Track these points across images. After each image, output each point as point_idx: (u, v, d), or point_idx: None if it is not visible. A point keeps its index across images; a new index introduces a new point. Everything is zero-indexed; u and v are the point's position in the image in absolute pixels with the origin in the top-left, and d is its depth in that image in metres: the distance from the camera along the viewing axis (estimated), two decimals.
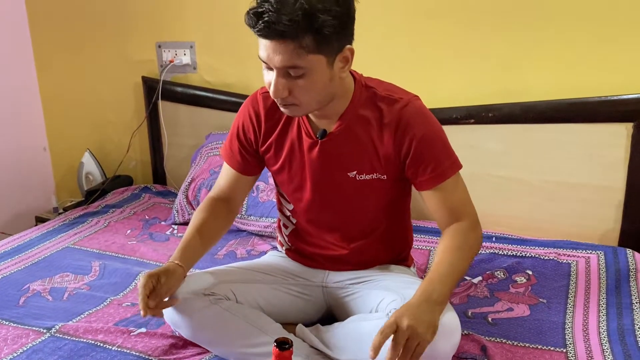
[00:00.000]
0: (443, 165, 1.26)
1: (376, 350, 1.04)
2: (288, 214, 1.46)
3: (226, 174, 1.44)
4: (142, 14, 2.41)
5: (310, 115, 1.30)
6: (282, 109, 1.23)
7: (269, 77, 1.17)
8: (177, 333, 1.37)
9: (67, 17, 2.54)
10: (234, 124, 1.41)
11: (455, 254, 1.23)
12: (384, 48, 1.93)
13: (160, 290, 1.20)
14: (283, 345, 1.02)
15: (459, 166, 1.29)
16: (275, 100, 1.20)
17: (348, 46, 1.16)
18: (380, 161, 1.28)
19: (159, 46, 2.41)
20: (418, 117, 1.26)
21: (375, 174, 1.29)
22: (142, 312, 1.17)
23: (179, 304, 1.27)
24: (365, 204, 1.34)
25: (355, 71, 1.31)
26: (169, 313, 1.29)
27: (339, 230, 1.39)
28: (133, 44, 2.47)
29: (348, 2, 1.13)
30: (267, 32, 1.08)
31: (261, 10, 1.08)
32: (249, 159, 1.40)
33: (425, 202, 1.32)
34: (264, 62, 1.15)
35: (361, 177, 1.30)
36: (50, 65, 2.64)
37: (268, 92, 1.23)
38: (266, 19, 1.06)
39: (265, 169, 1.44)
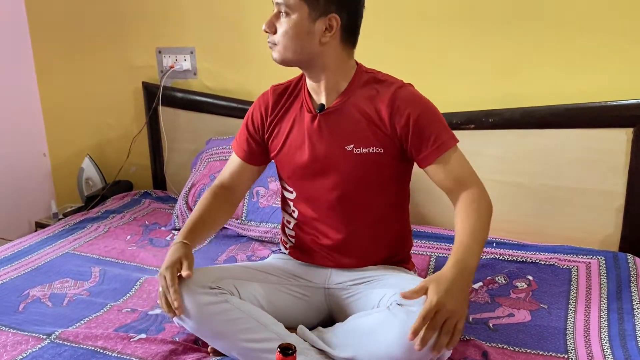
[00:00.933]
0: (442, 137, 1.33)
1: (416, 333, 1.09)
2: (290, 208, 1.48)
3: (231, 162, 1.53)
4: (142, 19, 2.42)
5: (312, 92, 1.40)
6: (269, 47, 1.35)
7: None
8: (177, 338, 1.37)
9: (68, 23, 2.55)
10: (246, 115, 1.51)
11: (475, 222, 1.28)
12: (384, 53, 1.94)
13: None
14: (286, 351, 1.01)
15: (456, 140, 1.36)
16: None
17: (334, 15, 1.28)
18: (376, 135, 1.34)
19: (159, 52, 2.42)
20: (413, 97, 1.34)
21: (371, 148, 1.35)
22: (177, 310, 1.24)
23: (184, 297, 1.27)
24: (362, 179, 1.38)
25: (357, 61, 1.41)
26: None
27: (337, 210, 1.41)
28: (133, 49, 2.47)
29: None
30: None
31: None
32: (255, 147, 1.48)
33: (432, 177, 1.37)
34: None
35: (358, 150, 1.35)
36: (50, 70, 2.65)
37: (278, 85, 1.47)
38: None
39: (268, 169, 1.50)
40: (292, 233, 1.50)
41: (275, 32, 1.30)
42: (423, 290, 1.14)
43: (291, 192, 1.47)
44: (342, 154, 1.36)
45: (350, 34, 1.33)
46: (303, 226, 1.47)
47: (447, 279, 1.15)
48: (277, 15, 1.30)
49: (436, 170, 1.34)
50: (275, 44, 1.32)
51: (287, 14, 1.27)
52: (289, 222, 1.51)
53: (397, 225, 1.47)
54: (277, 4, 1.28)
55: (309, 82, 1.39)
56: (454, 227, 1.30)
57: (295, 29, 1.28)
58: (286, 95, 1.44)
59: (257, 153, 1.49)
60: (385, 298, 1.28)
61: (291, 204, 1.48)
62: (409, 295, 1.15)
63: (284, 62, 1.34)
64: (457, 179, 1.34)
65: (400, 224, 1.48)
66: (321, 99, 1.38)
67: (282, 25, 1.28)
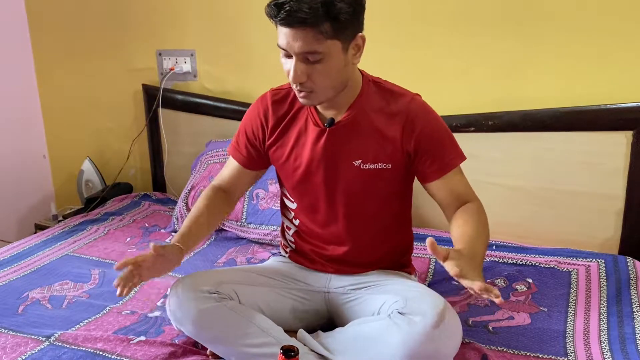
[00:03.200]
0: (449, 156, 1.32)
1: (489, 290, 1.05)
2: (291, 215, 1.47)
3: (230, 165, 1.50)
4: (142, 22, 2.42)
5: (318, 106, 1.35)
6: (299, 97, 1.27)
7: (288, 65, 1.22)
8: (176, 340, 1.37)
9: (68, 25, 2.55)
10: (243, 119, 1.47)
11: (477, 225, 1.27)
12: (384, 56, 1.94)
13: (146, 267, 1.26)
14: (289, 352, 1.01)
15: (463, 157, 1.35)
16: (294, 87, 1.26)
17: (360, 34, 1.24)
18: (385, 150, 1.32)
19: (160, 54, 2.42)
20: (424, 112, 1.33)
21: (380, 164, 1.33)
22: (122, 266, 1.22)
23: (183, 301, 1.28)
24: (368, 194, 1.37)
25: (360, 69, 1.37)
26: (172, 310, 1.30)
27: (341, 224, 1.40)
28: (133, 51, 2.48)
29: None
30: (289, 20, 1.14)
31: (282, 1, 1.14)
32: (254, 154, 1.45)
33: (433, 193, 1.36)
34: (283, 49, 1.20)
35: (365, 166, 1.33)
36: (50, 72, 2.65)
37: (277, 90, 1.37)
38: (287, 8, 1.13)
39: (268, 172, 1.47)
40: (292, 239, 1.50)
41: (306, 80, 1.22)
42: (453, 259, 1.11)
43: (292, 202, 1.45)
44: (350, 169, 1.34)
45: None
46: (304, 235, 1.46)
47: (473, 259, 1.13)
48: (304, 61, 1.19)
49: (438, 187, 1.34)
50: (312, 92, 1.24)
51: (322, 59, 1.19)
52: (289, 229, 1.51)
53: (400, 234, 1.47)
54: (307, 53, 1.17)
55: None
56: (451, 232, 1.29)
57: (334, 69, 1.21)
58: (287, 104, 1.38)
59: (256, 159, 1.46)
60: (386, 305, 1.28)
61: (292, 213, 1.47)
62: (440, 251, 1.10)
63: (327, 101, 1.29)
64: (458, 196, 1.34)
65: (403, 233, 1.48)
66: (329, 112, 1.34)
67: (319, 71, 1.20)
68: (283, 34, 1.18)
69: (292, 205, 1.45)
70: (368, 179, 1.34)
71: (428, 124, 1.31)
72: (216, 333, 1.28)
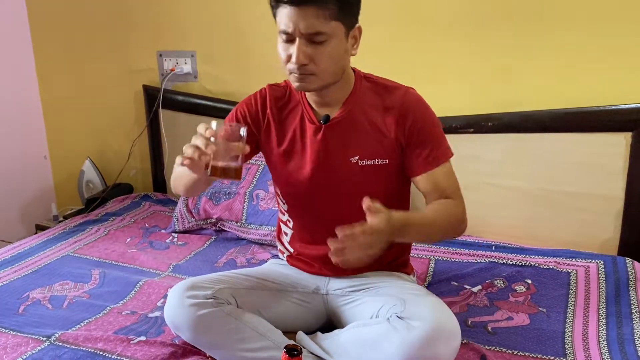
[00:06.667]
0: (438, 151, 1.32)
1: (369, 205, 1.07)
2: (285, 218, 1.47)
3: None
4: (143, 23, 2.43)
5: (312, 103, 1.35)
6: (295, 81, 1.25)
7: (289, 50, 1.21)
8: (176, 340, 1.37)
9: (69, 26, 2.56)
10: (237, 106, 1.43)
11: (442, 217, 1.27)
12: (384, 58, 1.94)
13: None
14: (292, 351, 1.02)
15: (451, 154, 1.35)
16: (292, 72, 1.23)
17: (358, 25, 1.25)
18: (382, 145, 1.32)
19: (160, 55, 2.43)
20: (419, 104, 1.33)
21: (377, 159, 1.33)
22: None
23: (181, 307, 1.27)
24: (366, 191, 1.34)
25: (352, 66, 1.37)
26: (170, 316, 1.30)
27: (338, 222, 1.38)
28: (134, 52, 2.48)
29: None
30: None
31: None
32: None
33: (418, 185, 1.36)
34: (286, 33, 1.20)
35: (363, 162, 1.33)
36: (51, 73, 2.66)
37: (275, 85, 1.37)
38: None
39: (268, 172, 1.44)
40: (288, 243, 1.50)
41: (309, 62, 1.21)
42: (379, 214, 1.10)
43: (285, 204, 1.45)
44: (346, 165, 1.33)
45: None
46: (299, 237, 1.46)
47: (397, 221, 1.13)
48: (307, 43, 1.19)
49: (424, 181, 1.33)
50: (313, 74, 1.22)
51: (325, 41, 1.19)
52: (286, 234, 1.50)
53: None
54: (312, 34, 1.18)
55: (310, 94, 1.34)
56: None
57: (336, 52, 1.22)
58: (285, 100, 1.39)
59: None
60: (385, 308, 1.28)
61: (287, 217, 1.47)
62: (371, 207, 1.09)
63: (323, 88, 1.28)
64: (442, 192, 1.32)
65: None
66: (323, 110, 1.34)
67: (322, 53, 1.20)
68: (286, 16, 1.18)
69: (284, 207, 1.45)
70: (365, 175, 1.34)
71: (421, 117, 1.31)
72: (214, 338, 1.28)
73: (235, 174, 1.14)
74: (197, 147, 1.12)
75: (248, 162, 1.49)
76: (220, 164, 1.12)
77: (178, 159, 1.16)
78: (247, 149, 1.16)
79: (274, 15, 1.23)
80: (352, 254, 1.08)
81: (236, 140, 1.14)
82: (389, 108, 1.32)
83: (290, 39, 1.21)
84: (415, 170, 1.33)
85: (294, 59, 1.20)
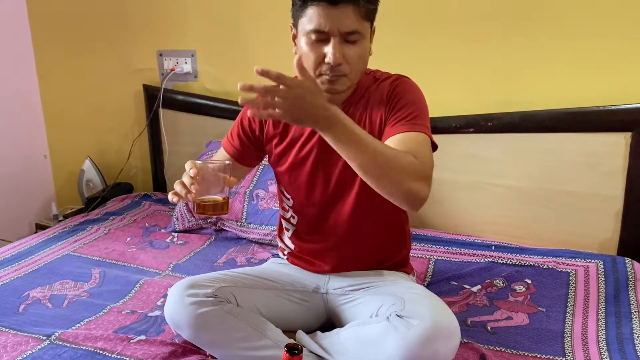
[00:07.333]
0: (415, 122, 1.24)
1: (264, 72, 1.07)
2: (289, 215, 1.47)
3: (221, 156, 1.47)
4: (143, 22, 2.43)
5: None
6: (327, 85, 1.24)
7: (321, 50, 1.20)
8: (176, 340, 1.37)
9: (69, 26, 2.56)
10: (240, 113, 1.45)
11: (389, 150, 1.15)
12: (385, 58, 1.94)
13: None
14: (293, 350, 1.02)
15: (430, 137, 1.25)
16: (324, 74, 1.22)
17: (374, 25, 1.26)
18: (380, 138, 1.30)
19: (160, 54, 2.43)
20: (408, 86, 1.32)
21: None
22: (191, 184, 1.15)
23: (181, 305, 1.27)
24: (365, 189, 1.34)
25: None
26: (170, 314, 1.30)
27: (338, 221, 1.40)
28: (134, 52, 2.48)
29: None
30: None
31: None
32: (248, 145, 1.44)
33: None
34: (319, 32, 1.19)
35: None
36: (51, 72, 2.66)
37: None
38: None
39: (268, 172, 1.45)
40: (290, 242, 1.50)
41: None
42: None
43: (289, 199, 1.46)
44: (347, 162, 1.34)
45: None
46: (301, 234, 1.47)
47: (331, 105, 1.09)
48: (342, 43, 1.19)
49: (396, 142, 1.22)
50: (345, 75, 1.23)
51: (357, 41, 1.20)
52: (287, 230, 1.51)
53: (398, 230, 1.47)
54: (349, 33, 1.18)
55: None
56: None
57: (365, 52, 1.24)
58: None
59: (248, 152, 1.45)
60: (384, 307, 1.28)
61: (290, 213, 1.47)
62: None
63: (346, 90, 1.28)
64: (408, 151, 1.19)
65: (401, 228, 1.48)
66: None
67: (356, 52, 1.21)
68: (320, 16, 1.17)
69: (289, 203, 1.46)
70: None
71: (406, 96, 1.28)
72: (214, 337, 1.28)
73: (222, 208, 1.19)
74: (183, 185, 1.18)
75: (253, 167, 1.52)
76: (205, 202, 1.18)
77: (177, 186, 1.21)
78: (234, 180, 1.20)
79: (297, 17, 1.22)
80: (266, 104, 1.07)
81: (221, 172, 1.20)
82: (383, 98, 1.32)
83: (322, 39, 1.20)
84: (389, 132, 1.26)
85: (330, 58, 1.19)
